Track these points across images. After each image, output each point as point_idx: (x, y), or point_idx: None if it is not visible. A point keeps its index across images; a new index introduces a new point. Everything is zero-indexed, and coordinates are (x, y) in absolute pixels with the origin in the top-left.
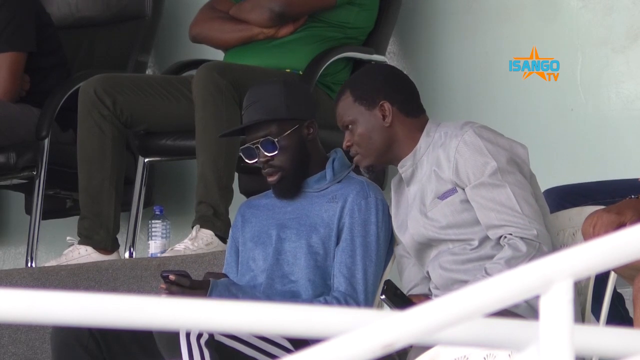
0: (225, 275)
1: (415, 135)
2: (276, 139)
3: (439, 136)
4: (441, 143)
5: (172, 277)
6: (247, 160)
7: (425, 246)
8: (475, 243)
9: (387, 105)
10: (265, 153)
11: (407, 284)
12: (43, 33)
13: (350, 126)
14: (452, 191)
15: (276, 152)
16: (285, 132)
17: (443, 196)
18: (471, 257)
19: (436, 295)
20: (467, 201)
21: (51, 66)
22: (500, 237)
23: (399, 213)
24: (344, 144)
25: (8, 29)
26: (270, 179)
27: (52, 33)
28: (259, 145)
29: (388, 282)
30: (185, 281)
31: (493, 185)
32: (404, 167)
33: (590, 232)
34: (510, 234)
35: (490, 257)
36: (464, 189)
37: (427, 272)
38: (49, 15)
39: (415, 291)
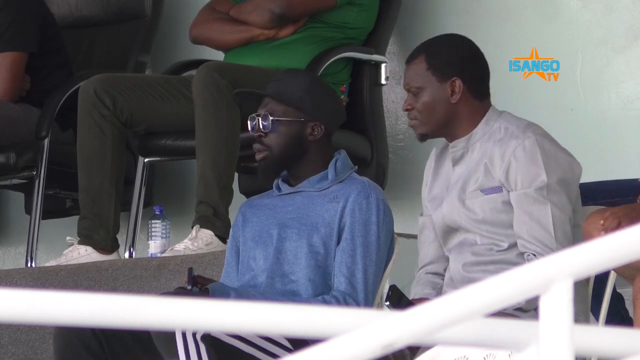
0: (213, 281)
1: (476, 119)
2: (274, 118)
3: (497, 128)
4: (499, 138)
5: None
6: (249, 130)
7: (453, 229)
8: (505, 245)
9: (458, 83)
10: (261, 127)
11: (423, 260)
12: (47, 33)
13: (415, 91)
14: (497, 189)
15: (269, 130)
16: (287, 117)
17: (487, 191)
18: (495, 259)
19: (445, 292)
20: (509, 203)
21: (54, 66)
22: (525, 252)
23: (435, 185)
24: (404, 106)
25: (11, 29)
26: (257, 156)
27: (55, 33)
28: (259, 119)
29: (393, 288)
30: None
31: (536, 200)
32: (456, 147)
33: (599, 226)
34: (534, 254)
35: (514, 264)
36: (509, 192)
37: (448, 257)
38: (53, 15)
39: (429, 269)
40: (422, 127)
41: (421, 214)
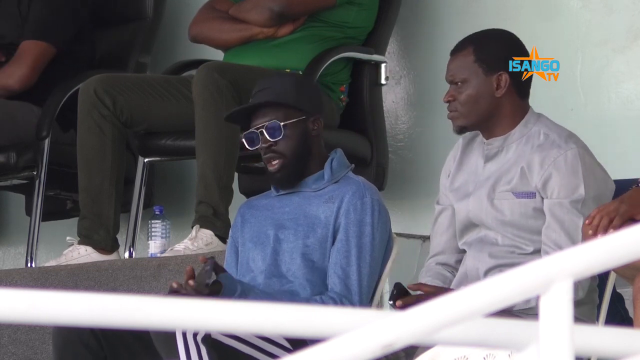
0: (224, 270)
1: (516, 118)
2: (282, 124)
3: (536, 132)
4: (539, 144)
5: (191, 282)
6: (248, 147)
7: (474, 225)
8: (529, 249)
9: (505, 77)
10: (269, 137)
11: (434, 249)
12: (80, 33)
13: (459, 83)
14: (531, 195)
15: (280, 137)
16: (291, 119)
17: (519, 195)
18: (516, 262)
19: (455, 287)
20: (540, 210)
21: (66, 67)
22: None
23: (459, 176)
24: (445, 98)
25: (49, 19)
26: (270, 167)
27: (83, 37)
28: (263, 130)
29: (398, 286)
30: (205, 290)
31: (569, 211)
32: (491, 145)
33: (596, 221)
34: None
35: None
36: (542, 199)
37: (459, 249)
38: (88, 23)
39: (439, 259)
40: (462, 120)
41: (437, 202)
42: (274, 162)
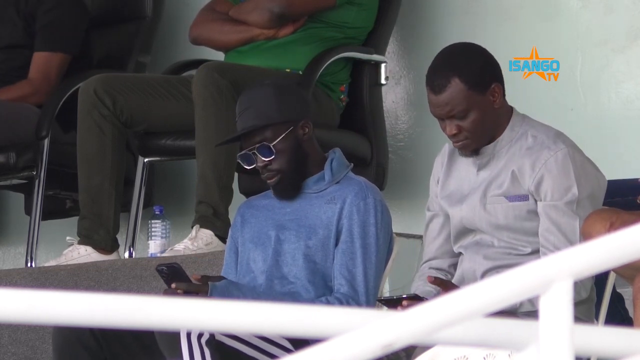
0: (222, 278)
1: (504, 122)
2: (272, 144)
3: (523, 134)
4: (528, 146)
5: (174, 286)
6: (245, 167)
7: (470, 230)
8: (527, 250)
9: (497, 87)
10: (262, 158)
11: (427, 255)
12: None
13: (461, 115)
14: (524, 197)
15: (273, 156)
16: (280, 135)
17: (512, 198)
18: (512, 262)
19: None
20: (534, 212)
21: (79, 65)
22: None
23: (449, 182)
24: (450, 131)
25: (62, 29)
26: (270, 182)
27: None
28: (255, 152)
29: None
30: (182, 286)
31: (565, 213)
32: (482, 154)
33: (605, 228)
34: None
35: None
36: (536, 201)
37: (458, 252)
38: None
39: (433, 264)
40: (474, 144)
41: (428, 209)
42: (273, 179)
